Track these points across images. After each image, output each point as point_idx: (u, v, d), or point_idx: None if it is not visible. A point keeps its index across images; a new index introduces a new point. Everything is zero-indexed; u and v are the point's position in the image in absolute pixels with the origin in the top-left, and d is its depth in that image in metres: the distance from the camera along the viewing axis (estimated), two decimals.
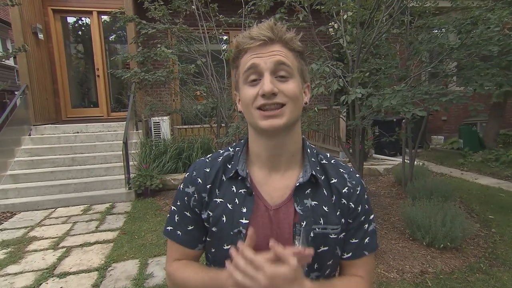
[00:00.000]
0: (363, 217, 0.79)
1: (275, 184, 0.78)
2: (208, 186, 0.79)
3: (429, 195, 3.60)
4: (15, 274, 2.94)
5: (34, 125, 6.15)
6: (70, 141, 6.00)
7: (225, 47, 5.92)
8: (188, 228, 0.82)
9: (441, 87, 2.54)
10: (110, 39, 8.16)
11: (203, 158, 0.86)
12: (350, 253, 0.79)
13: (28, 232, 3.89)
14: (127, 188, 5.00)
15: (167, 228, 0.85)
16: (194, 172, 0.82)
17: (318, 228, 0.74)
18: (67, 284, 2.74)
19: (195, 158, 5.73)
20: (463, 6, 4.12)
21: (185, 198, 0.81)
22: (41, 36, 6.70)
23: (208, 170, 0.81)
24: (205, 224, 0.80)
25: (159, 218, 4.13)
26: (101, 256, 3.23)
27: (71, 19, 7.67)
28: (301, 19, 3.01)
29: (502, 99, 6.73)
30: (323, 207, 0.76)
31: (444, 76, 3.27)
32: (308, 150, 0.81)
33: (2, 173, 5.06)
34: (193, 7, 4.20)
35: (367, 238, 0.80)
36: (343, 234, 0.77)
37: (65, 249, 3.42)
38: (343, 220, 0.77)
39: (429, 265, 2.75)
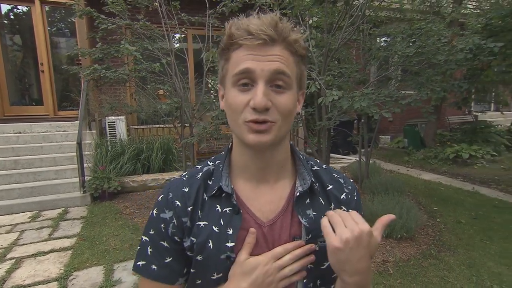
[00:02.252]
0: None
1: (266, 197, 0.70)
2: (189, 209, 0.68)
3: (385, 191, 3.91)
4: None
5: None
6: (11, 142, 5.45)
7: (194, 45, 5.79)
8: (166, 261, 0.69)
9: (399, 92, 2.80)
10: (53, 31, 7.51)
11: (178, 177, 0.75)
12: None
13: None
14: (82, 192, 4.69)
15: (138, 263, 0.71)
16: (170, 194, 0.70)
17: (321, 242, 0.66)
18: None
19: (154, 159, 5.55)
20: (410, 18, 4.55)
21: (162, 226, 0.69)
22: None
23: (186, 189, 0.70)
24: (188, 253, 0.69)
25: (120, 222, 3.94)
26: (59, 265, 3.00)
27: (5, 7, 6.93)
28: None
29: (439, 102, 7.50)
30: (323, 217, 0.66)
31: (399, 80, 3.57)
32: (301, 157, 0.75)
33: None
34: (155, 3, 4.07)
35: None
36: None
37: (14, 260, 3.12)
38: None
39: (389, 255, 2.99)
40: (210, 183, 0.70)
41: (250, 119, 0.60)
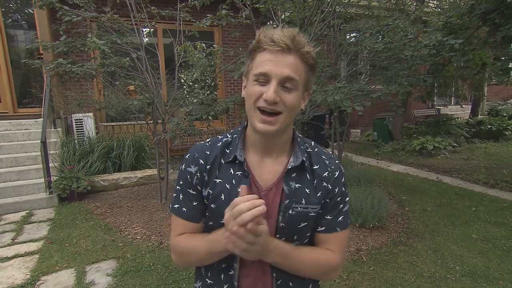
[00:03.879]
0: (339, 197, 0.90)
1: (267, 168, 0.88)
2: (208, 167, 0.88)
3: (357, 182, 4.04)
4: None
5: None
6: None
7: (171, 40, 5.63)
8: (194, 204, 0.89)
9: (370, 86, 2.89)
10: (8, 22, 7.02)
11: (203, 142, 0.94)
12: (324, 227, 0.90)
13: None
14: (48, 193, 4.45)
15: (174, 206, 0.92)
16: (196, 154, 0.90)
17: (300, 207, 0.85)
18: None
19: (126, 157, 5.38)
20: (377, 15, 4.69)
21: (188, 177, 0.89)
22: None
23: (208, 152, 0.90)
24: (205, 201, 0.88)
25: (91, 223, 3.80)
26: (25, 270, 2.84)
27: None
28: (244, 16, 3.07)
29: (406, 97, 7.84)
30: (306, 189, 0.86)
31: (369, 75, 3.69)
32: (298, 139, 0.92)
33: None
34: None
35: (341, 217, 0.90)
36: (320, 211, 0.89)
37: None
38: (323, 200, 0.88)
39: (362, 244, 3.10)
40: (228, 151, 0.89)
41: (261, 106, 0.78)
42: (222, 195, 0.86)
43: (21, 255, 3.11)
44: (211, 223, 0.89)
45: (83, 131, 5.71)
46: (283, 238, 0.85)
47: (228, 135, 0.94)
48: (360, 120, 9.68)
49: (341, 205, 0.91)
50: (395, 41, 2.96)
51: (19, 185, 4.55)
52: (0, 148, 5.09)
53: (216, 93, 3.92)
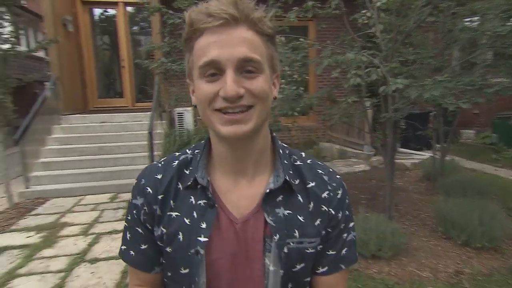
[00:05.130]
0: (343, 224, 0.68)
1: (242, 192, 0.66)
2: (159, 197, 0.66)
3: (463, 192, 3.44)
4: (50, 257, 3.05)
5: (63, 115, 6.33)
6: (97, 130, 6.14)
7: None
8: (141, 247, 0.69)
9: (485, 78, 2.38)
10: (134, 30, 8.24)
11: (155, 162, 0.72)
12: (326, 267, 0.68)
13: (60, 218, 4.03)
14: None
15: (121, 247, 0.72)
16: (143, 180, 0.69)
17: (293, 243, 0.63)
18: (98, 270, 2.82)
19: None
20: None
21: (134, 212, 0.68)
22: (70, 28, 6.85)
23: (159, 176, 0.68)
24: (159, 242, 0.67)
25: None
26: None
27: (97, 11, 7.80)
28: (333, 6, 2.90)
29: None
30: (298, 216, 0.64)
31: (485, 66, 3.07)
32: (280, 151, 0.68)
33: (35, 161, 5.25)
34: None
35: (345, 249, 0.69)
36: (321, 246, 0.66)
37: (95, 235, 3.52)
38: (323, 231, 0.66)
39: (465, 265, 2.63)
40: (187, 172, 0.67)
41: (220, 107, 0.57)
42: (180, 234, 0.64)
43: None
44: (169, 274, 0.68)
45: (183, 124, 6.33)
46: (280, 286, 0.64)
47: (188, 150, 0.72)
48: (476, 120, 8.24)
49: (345, 234, 0.69)
50: None
51: (131, 169, 5.32)
52: (120, 136, 6.02)
53: (302, 88, 3.83)
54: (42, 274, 2.77)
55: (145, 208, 0.67)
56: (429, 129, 4.45)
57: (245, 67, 0.56)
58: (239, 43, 0.55)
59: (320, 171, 0.69)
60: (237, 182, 0.66)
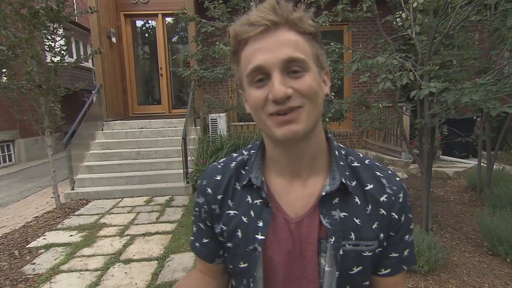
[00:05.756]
0: (406, 227, 0.68)
1: (297, 193, 0.67)
2: (219, 197, 0.70)
3: None
4: (89, 256, 3.23)
5: (106, 121, 6.74)
6: (136, 136, 6.45)
7: None
8: (203, 241, 0.75)
9: None
10: (173, 40, 8.59)
11: (215, 163, 0.76)
12: (389, 269, 0.68)
13: (100, 219, 4.26)
14: (185, 182, 5.22)
15: (191, 238, 0.79)
16: (204, 181, 0.73)
17: (349, 245, 0.63)
18: (131, 270, 2.93)
19: None
20: None
21: (197, 209, 0.74)
22: (114, 39, 7.30)
23: (219, 178, 0.72)
24: (220, 238, 0.72)
25: None
26: (161, 246, 3.39)
27: (139, 23, 8.25)
28: (365, 9, 2.81)
29: None
30: (355, 219, 0.64)
31: None
32: (336, 152, 0.68)
33: (80, 164, 5.62)
34: (251, 3, 4.19)
35: (407, 251, 0.68)
36: (380, 249, 0.66)
37: (129, 237, 3.67)
38: (382, 234, 0.65)
39: None
40: (244, 172, 0.70)
41: (272, 111, 0.58)
42: (239, 231, 0.67)
43: (160, 233, 3.74)
44: (231, 266, 0.72)
45: (217, 130, 6.45)
46: None
47: (244, 151, 0.75)
48: None
49: (407, 236, 0.68)
50: None
51: (166, 174, 5.51)
52: (156, 142, 6.27)
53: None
54: (81, 272, 2.93)
55: (205, 207, 0.72)
56: (473, 135, 4.13)
57: (291, 68, 0.57)
58: (281, 45, 0.57)
59: (378, 173, 0.68)
60: (291, 183, 0.68)
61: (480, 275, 2.52)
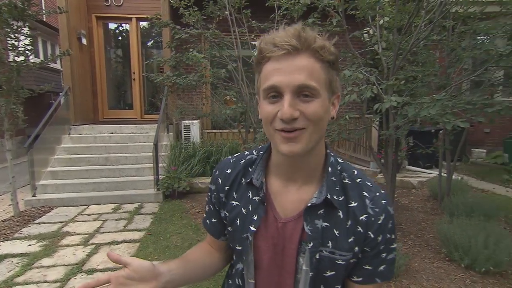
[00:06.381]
0: (383, 246, 0.72)
1: (290, 197, 0.75)
2: (226, 188, 0.82)
3: (469, 213, 3.34)
4: (48, 267, 3.06)
5: (73, 125, 6.48)
6: (105, 141, 6.25)
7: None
8: (213, 220, 0.88)
9: (486, 97, 2.34)
10: (148, 44, 8.48)
11: (229, 157, 0.88)
12: (361, 278, 0.75)
13: (63, 227, 4.06)
14: (156, 189, 5.11)
15: (204, 215, 0.93)
16: (217, 172, 0.86)
17: (325, 251, 0.71)
18: None
19: None
20: None
21: (209, 194, 0.88)
22: (84, 41, 7.09)
23: (229, 171, 0.83)
24: (224, 221, 0.85)
25: (185, 221, 4.17)
26: (127, 255, 3.28)
27: (112, 25, 8.07)
28: (334, 24, 2.92)
29: None
30: (335, 230, 0.71)
31: (490, 85, 3.02)
32: (330, 169, 0.74)
33: (43, 169, 5.35)
34: (226, 12, 4.23)
35: (383, 266, 0.74)
36: (354, 260, 0.73)
37: (94, 246, 3.53)
38: (356, 248, 0.71)
39: None
40: (250, 170, 0.80)
41: (279, 128, 0.66)
42: (238, 219, 0.79)
43: (127, 242, 3.62)
44: (231, 245, 0.84)
45: (190, 136, 6.38)
46: (308, 285, 0.72)
47: (254, 151, 0.85)
48: (487, 138, 8.07)
49: (384, 254, 0.73)
50: None
51: (136, 180, 5.36)
52: (127, 147, 6.10)
53: None
54: (38, 284, 2.78)
55: (215, 193, 0.85)
56: (433, 147, 4.37)
57: (302, 92, 0.64)
58: (298, 71, 0.63)
59: (365, 193, 0.73)
60: (287, 187, 0.76)
61: (438, 280, 2.65)
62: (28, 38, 4.59)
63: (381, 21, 3.01)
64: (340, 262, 0.71)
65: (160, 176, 5.14)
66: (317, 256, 0.70)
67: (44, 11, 5.81)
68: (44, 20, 10.86)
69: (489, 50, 2.77)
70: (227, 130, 6.60)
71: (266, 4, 4.06)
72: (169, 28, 4.87)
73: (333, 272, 0.71)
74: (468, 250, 2.72)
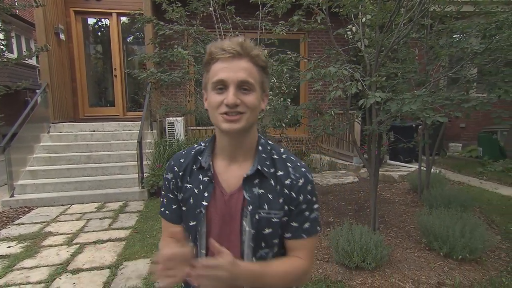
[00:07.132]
0: (304, 205, 0.91)
1: (233, 173, 0.93)
2: (181, 173, 0.97)
3: (447, 204, 3.49)
4: (31, 268, 2.99)
5: (53, 123, 6.30)
6: (87, 139, 6.11)
7: None
8: (173, 207, 0.99)
9: (462, 93, 2.46)
10: (128, 40, 8.30)
11: (181, 151, 1.05)
12: (290, 234, 0.92)
13: (44, 228, 3.97)
14: (140, 187, 5.05)
15: (161, 209, 1.03)
16: (172, 162, 1.01)
17: (263, 213, 0.88)
18: (80, 281, 2.78)
19: None
20: (486, 11, 4.00)
21: (166, 183, 1.00)
22: (62, 36, 6.88)
23: (182, 160, 0.99)
24: (180, 204, 0.97)
25: None
26: (113, 254, 3.26)
27: (91, 20, 7.85)
28: (319, 21, 2.97)
29: None
30: (268, 195, 0.90)
31: (465, 82, 3.16)
32: (260, 147, 0.94)
33: (21, 169, 5.19)
34: (210, 9, 4.21)
35: (307, 223, 0.92)
36: (286, 218, 0.91)
37: (78, 245, 3.47)
38: (286, 207, 0.90)
39: (447, 277, 2.65)
40: (200, 158, 0.96)
41: (224, 111, 0.84)
42: (191, 198, 0.94)
43: (113, 240, 3.58)
44: (184, 225, 0.97)
45: (174, 134, 6.33)
46: (252, 244, 0.88)
47: (202, 143, 1.02)
48: (462, 133, 8.41)
49: (307, 212, 0.92)
50: (501, 40, 2.46)
51: (120, 179, 5.29)
52: (110, 145, 5.99)
53: (289, 100, 3.89)
54: (21, 285, 2.71)
55: (173, 180, 0.98)
56: (414, 142, 4.52)
57: (242, 86, 0.83)
58: (240, 70, 0.83)
59: (288, 164, 0.94)
60: (230, 166, 0.93)
61: (419, 269, 2.77)
62: (2, 33, 4.43)
63: (364, 19, 3.08)
64: (275, 220, 0.89)
65: (144, 174, 5.09)
66: (257, 217, 0.87)
67: (17, 4, 5.61)
68: (17, 14, 10.45)
69: (464, 48, 2.90)
70: (212, 127, 6.58)
71: (250, 1, 4.06)
72: (152, 24, 4.80)
73: (270, 230, 0.89)
74: (446, 239, 2.85)
